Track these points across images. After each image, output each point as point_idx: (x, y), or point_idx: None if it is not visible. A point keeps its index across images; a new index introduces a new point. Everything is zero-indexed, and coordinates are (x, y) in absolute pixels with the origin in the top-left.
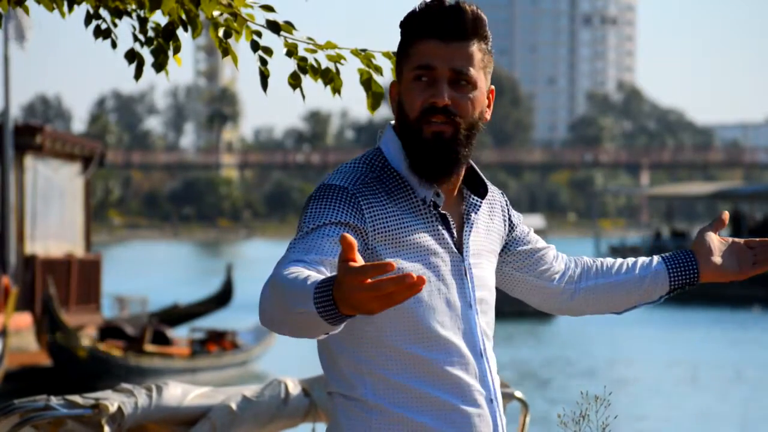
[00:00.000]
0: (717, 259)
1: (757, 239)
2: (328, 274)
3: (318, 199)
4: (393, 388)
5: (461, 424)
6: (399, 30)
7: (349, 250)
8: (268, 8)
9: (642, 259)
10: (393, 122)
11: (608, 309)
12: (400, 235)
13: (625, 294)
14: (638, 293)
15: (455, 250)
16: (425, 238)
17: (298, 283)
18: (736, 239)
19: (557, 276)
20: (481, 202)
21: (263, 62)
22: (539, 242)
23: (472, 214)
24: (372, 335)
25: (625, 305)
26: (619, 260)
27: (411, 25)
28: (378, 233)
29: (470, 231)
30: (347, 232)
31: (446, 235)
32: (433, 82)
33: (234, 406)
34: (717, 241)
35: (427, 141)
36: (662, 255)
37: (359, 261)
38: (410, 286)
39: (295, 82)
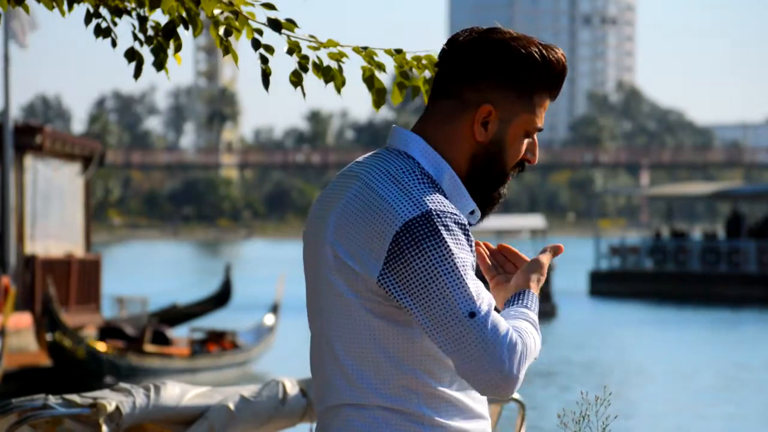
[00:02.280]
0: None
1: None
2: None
3: (449, 230)
4: (443, 401)
5: (486, 431)
6: (524, 56)
7: None
8: (270, 6)
9: None
10: (396, 125)
11: None
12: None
13: None
14: None
15: None
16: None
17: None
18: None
19: None
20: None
21: (264, 60)
22: None
23: None
24: (433, 350)
25: None
26: None
27: (546, 75)
28: None
29: None
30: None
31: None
32: (532, 138)
33: (232, 406)
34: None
35: (502, 190)
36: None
37: None
38: None
39: (296, 79)
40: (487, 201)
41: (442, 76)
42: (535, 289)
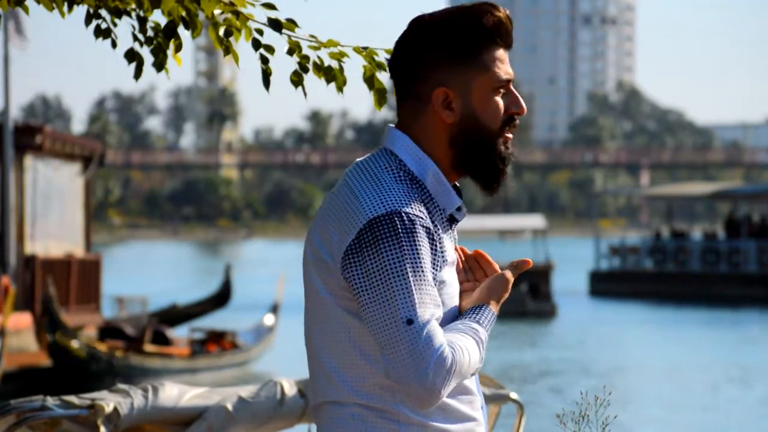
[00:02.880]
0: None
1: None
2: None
3: (410, 234)
4: None
5: None
6: (449, 27)
7: None
8: (270, 6)
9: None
10: (393, 125)
11: None
12: (445, 251)
13: None
14: None
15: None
16: (451, 252)
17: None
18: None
19: None
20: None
21: (265, 61)
22: None
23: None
24: None
25: None
26: None
27: (480, 30)
28: (437, 261)
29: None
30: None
31: (454, 247)
32: (507, 92)
33: (230, 406)
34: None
35: (503, 152)
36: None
37: None
38: None
39: (297, 79)
40: (492, 171)
41: (395, 82)
42: (494, 306)
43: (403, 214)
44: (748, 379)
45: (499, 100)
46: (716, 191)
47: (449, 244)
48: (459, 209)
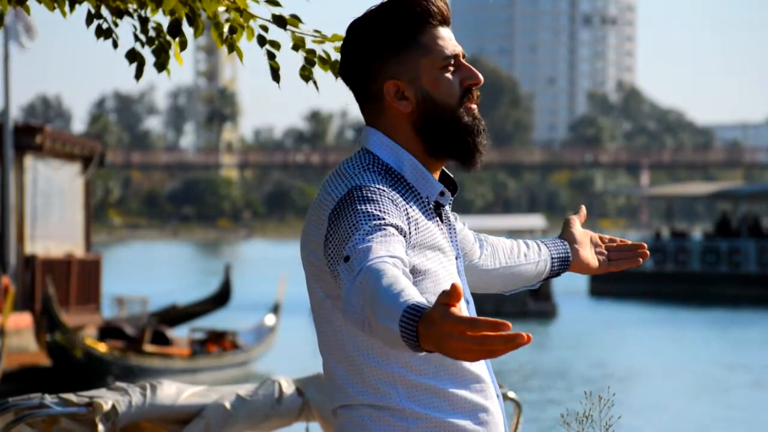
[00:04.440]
0: (584, 253)
1: (611, 238)
2: (411, 282)
3: (367, 201)
4: (428, 392)
5: (489, 423)
6: (382, 21)
7: (456, 297)
8: (274, 2)
9: (534, 247)
10: (369, 126)
11: (498, 290)
12: (423, 237)
13: (518, 279)
14: (526, 280)
15: (454, 248)
16: (438, 239)
17: (392, 295)
18: (592, 233)
19: (476, 256)
20: (451, 198)
21: (271, 56)
22: (458, 221)
23: (449, 210)
24: None
25: (512, 288)
26: (515, 245)
27: (412, 15)
28: (412, 237)
29: (455, 228)
30: (403, 236)
31: (447, 233)
32: (458, 66)
33: (228, 405)
34: (583, 234)
35: (470, 123)
36: (548, 245)
37: (458, 308)
38: (518, 345)
39: (306, 74)
40: (463, 144)
41: (349, 88)
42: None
43: (362, 188)
44: (749, 378)
45: (449, 76)
46: (716, 191)
47: (437, 232)
48: (442, 194)
